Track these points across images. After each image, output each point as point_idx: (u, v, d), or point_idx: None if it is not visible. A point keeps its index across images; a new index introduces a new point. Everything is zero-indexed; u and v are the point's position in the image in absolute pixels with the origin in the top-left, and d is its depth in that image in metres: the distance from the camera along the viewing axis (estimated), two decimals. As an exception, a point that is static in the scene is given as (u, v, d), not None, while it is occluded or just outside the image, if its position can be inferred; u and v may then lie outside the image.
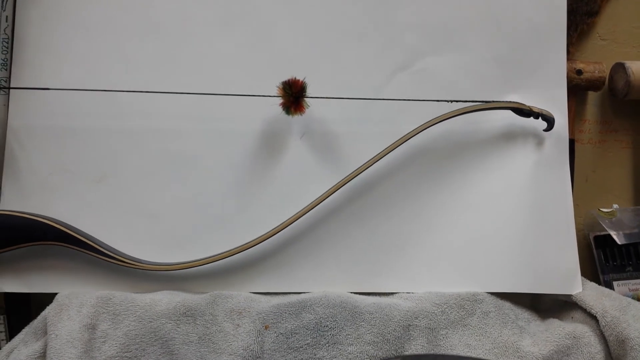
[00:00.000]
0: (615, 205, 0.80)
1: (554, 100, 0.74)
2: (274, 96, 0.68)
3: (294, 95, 0.68)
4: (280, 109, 0.69)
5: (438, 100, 0.71)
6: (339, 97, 0.71)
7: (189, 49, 0.73)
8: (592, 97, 0.82)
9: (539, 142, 0.74)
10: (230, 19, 0.73)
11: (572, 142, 0.76)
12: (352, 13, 0.74)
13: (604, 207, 0.80)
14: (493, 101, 0.72)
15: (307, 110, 0.69)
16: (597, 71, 0.78)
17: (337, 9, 0.74)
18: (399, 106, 0.73)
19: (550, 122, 0.72)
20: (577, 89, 0.78)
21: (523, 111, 0.72)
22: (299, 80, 0.68)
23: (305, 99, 0.68)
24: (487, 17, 0.74)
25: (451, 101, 0.71)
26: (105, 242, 0.70)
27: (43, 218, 0.68)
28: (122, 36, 0.73)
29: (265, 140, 0.73)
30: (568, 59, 0.76)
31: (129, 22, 0.73)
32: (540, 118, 0.72)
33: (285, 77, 0.68)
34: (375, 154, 0.70)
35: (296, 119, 0.70)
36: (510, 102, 0.72)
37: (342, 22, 0.74)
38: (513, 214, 0.72)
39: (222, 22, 0.73)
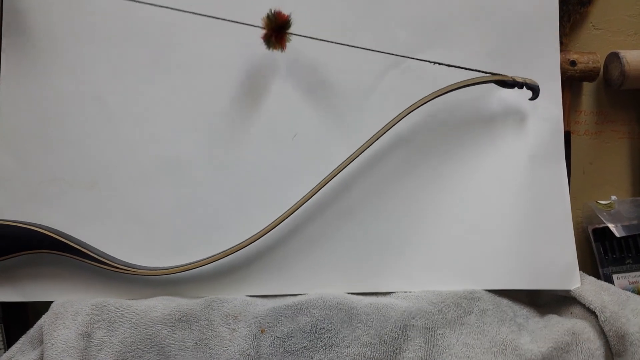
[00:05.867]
0: (613, 197, 0.80)
1: (549, 92, 0.74)
2: (258, 26, 0.68)
3: (277, 26, 0.67)
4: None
5: (422, 60, 0.70)
6: (323, 38, 0.70)
7: (179, 52, 0.73)
8: (587, 87, 0.82)
9: (534, 135, 0.73)
10: (217, 22, 0.73)
11: (567, 135, 0.75)
12: (344, 9, 0.73)
13: (602, 199, 0.79)
14: (475, 77, 0.70)
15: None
16: (591, 62, 0.77)
17: (328, 6, 0.73)
18: (392, 99, 0.72)
19: (534, 90, 0.71)
20: (572, 80, 0.78)
21: (506, 82, 0.70)
22: (284, 14, 0.67)
23: (288, 34, 0.68)
24: (478, 11, 0.74)
25: (434, 62, 0.70)
26: (99, 248, 0.70)
27: (36, 226, 0.68)
28: (111, 41, 0.72)
29: (257, 142, 0.72)
30: (561, 50, 0.75)
31: (118, 27, 0.72)
32: (524, 87, 0.71)
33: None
34: (364, 143, 0.70)
35: (288, 117, 0.70)
36: (492, 74, 0.71)
37: (333, 19, 0.73)
38: (509, 210, 0.72)
39: (211, 27, 0.73)
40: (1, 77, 0.72)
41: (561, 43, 0.75)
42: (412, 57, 0.71)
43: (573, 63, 0.77)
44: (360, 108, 0.73)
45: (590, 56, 0.77)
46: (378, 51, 0.71)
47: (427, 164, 0.73)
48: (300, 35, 0.69)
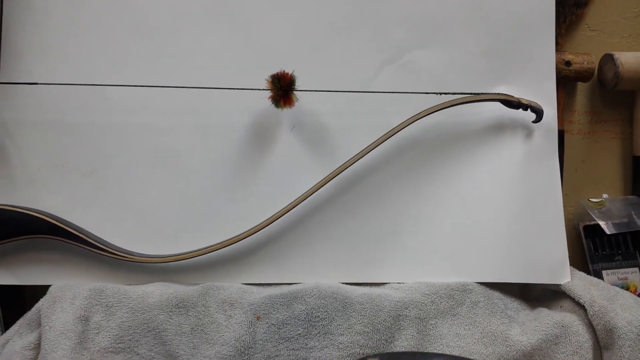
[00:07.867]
0: (604, 195, 0.81)
1: (543, 92, 0.75)
2: (263, 89, 0.69)
3: (282, 89, 0.68)
4: (269, 102, 0.69)
5: (427, 93, 0.71)
6: (328, 89, 0.71)
7: (177, 44, 0.73)
8: (582, 87, 0.83)
9: (529, 133, 0.74)
10: (218, 14, 0.73)
11: (561, 133, 0.77)
12: (340, 6, 0.74)
13: (593, 197, 0.81)
14: (482, 93, 0.72)
15: (296, 104, 0.69)
16: (585, 62, 0.78)
17: (325, 3, 0.74)
18: (388, 99, 0.73)
19: (539, 113, 0.73)
20: (566, 80, 0.79)
21: (512, 103, 0.72)
22: (287, 73, 0.68)
23: (295, 92, 0.69)
24: (474, 10, 0.75)
25: (440, 93, 0.71)
26: (97, 235, 0.70)
27: (34, 212, 0.68)
28: (111, 32, 0.73)
29: (255, 133, 0.73)
30: (557, 50, 0.76)
31: (118, 18, 0.73)
32: (529, 110, 0.72)
33: (274, 71, 0.68)
34: (365, 147, 0.70)
35: (286, 111, 0.70)
36: (499, 94, 0.72)
37: (330, 16, 0.74)
38: (502, 205, 0.73)
39: (210, 17, 0.73)
40: (2, 65, 0.72)
41: (557, 43, 0.76)
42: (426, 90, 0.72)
43: (568, 63, 0.78)
44: (362, 108, 0.74)
45: (585, 57, 0.78)
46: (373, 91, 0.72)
47: (422, 159, 0.74)
48: (306, 91, 0.70)
